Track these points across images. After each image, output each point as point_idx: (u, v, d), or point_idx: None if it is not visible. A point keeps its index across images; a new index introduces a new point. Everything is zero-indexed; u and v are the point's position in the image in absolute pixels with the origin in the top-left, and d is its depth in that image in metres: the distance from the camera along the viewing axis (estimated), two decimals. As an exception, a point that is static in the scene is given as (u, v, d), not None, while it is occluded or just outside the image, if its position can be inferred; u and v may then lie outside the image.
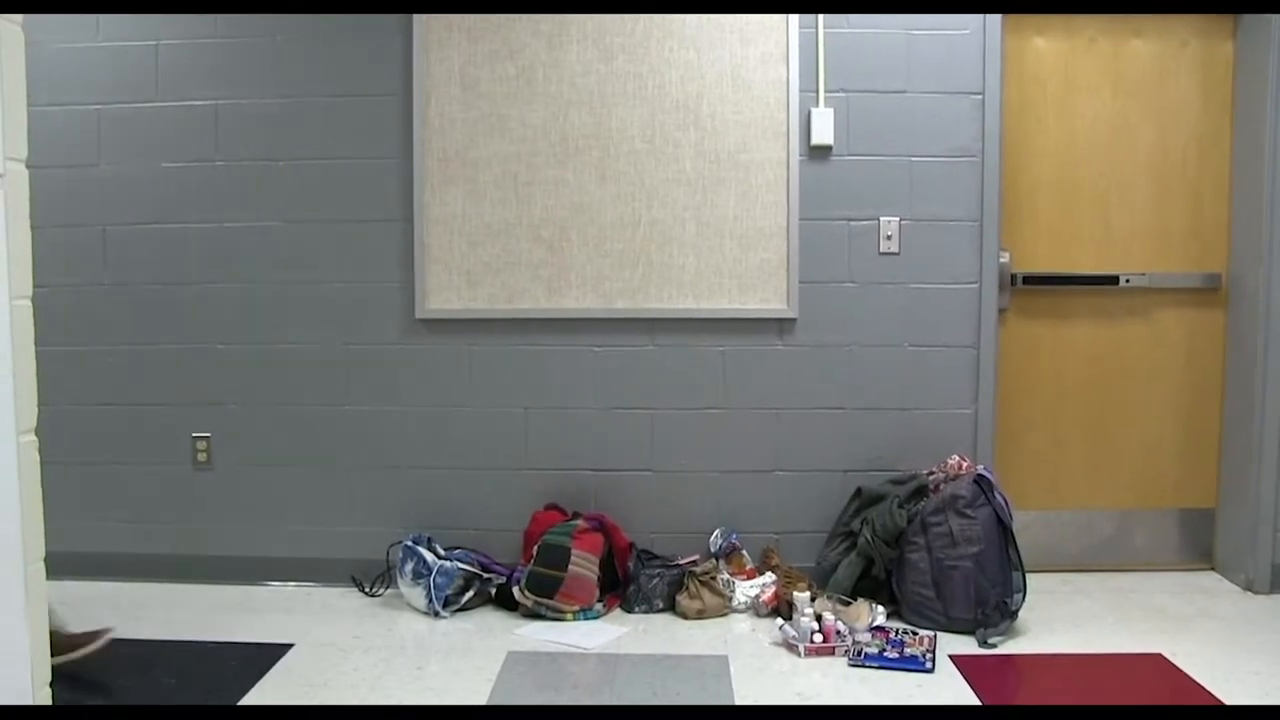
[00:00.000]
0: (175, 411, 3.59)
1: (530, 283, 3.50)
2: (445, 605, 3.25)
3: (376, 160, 3.49)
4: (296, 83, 3.49)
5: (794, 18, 3.40)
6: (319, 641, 3.03)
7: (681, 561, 3.40)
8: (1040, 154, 3.58)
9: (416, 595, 3.27)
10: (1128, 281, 3.59)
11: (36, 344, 1.69)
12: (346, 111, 3.49)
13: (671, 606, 3.30)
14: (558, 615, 3.20)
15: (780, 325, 3.49)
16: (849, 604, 3.08)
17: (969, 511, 3.11)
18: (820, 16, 3.40)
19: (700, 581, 3.27)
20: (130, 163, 3.54)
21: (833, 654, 2.88)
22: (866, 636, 2.92)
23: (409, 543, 3.33)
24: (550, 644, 3.02)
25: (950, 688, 2.69)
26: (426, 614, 3.26)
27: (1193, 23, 3.56)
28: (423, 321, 3.52)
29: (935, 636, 2.99)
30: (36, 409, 1.68)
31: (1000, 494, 3.15)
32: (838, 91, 3.44)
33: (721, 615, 3.26)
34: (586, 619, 3.22)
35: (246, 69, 3.49)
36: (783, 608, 3.17)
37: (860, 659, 2.83)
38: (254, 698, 2.62)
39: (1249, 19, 3.48)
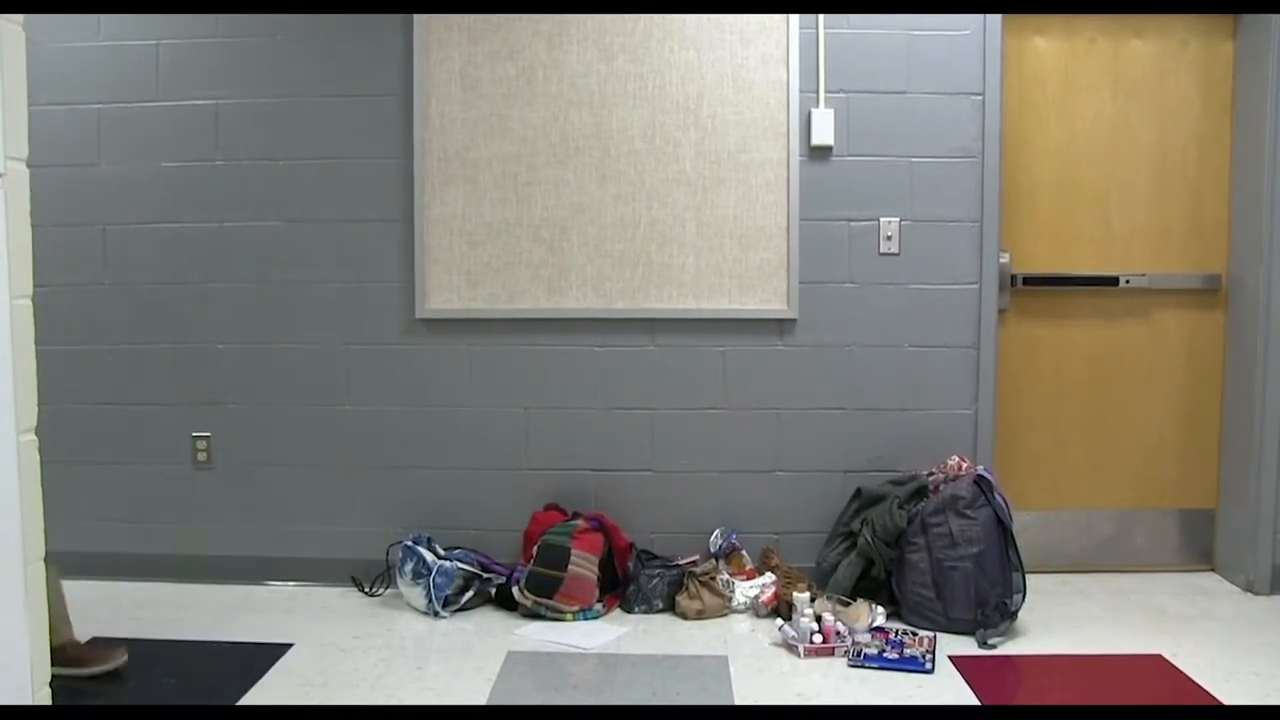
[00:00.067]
0: (175, 411, 3.59)
1: (530, 283, 3.50)
2: (445, 605, 3.25)
3: (376, 160, 3.49)
4: (296, 83, 3.49)
5: (794, 18, 3.40)
6: (319, 641, 3.03)
7: (681, 562, 3.40)
8: (1040, 154, 3.58)
9: (416, 595, 3.27)
10: (1128, 282, 3.59)
11: (36, 344, 1.69)
12: (346, 111, 3.49)
13: (671, 607, 3.30)
14: (557, 615, 3.20)
15: (780, 325, 3.49)
16: (849, 604, 3.08)
17: (969, 512, 3.11)
18: (820, 17, 3.40)
19: (700, 582, 3.26)
20: (130, 162, 3.54)
21: (832, 654, 2.87)
22: (866, 637, 2.92)
23: (409, 543, 3.33)
24: (550, 644, 3.02)
25: (950, 688, 2.68)
26: (426, 614, 3.26)
27: (1193, 23, 3.56)
28: (423, 321, 3.52)
29: (935, 637, 2.99)
30: (36, 409, 1.68)
31: (1000, 495, 3.15)
32: (838, 92, 3.44)
33: (721, 615, 3.26)
34: (586, 619, 3.22)
35: (246, 69, 3.49)
36: (782, 608, 3.17)
37: (860, 660, 2.82)
38: (254, 698, 2.62)
39: (1249, 19, 3.48)
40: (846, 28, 3.42)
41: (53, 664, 1.74)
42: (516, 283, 3.50)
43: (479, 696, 2.63)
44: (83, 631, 2.83)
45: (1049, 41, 3.56)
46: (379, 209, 3.50)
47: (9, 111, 1.60)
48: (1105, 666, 2.84)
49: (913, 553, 3.17)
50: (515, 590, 3.23)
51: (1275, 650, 2.93)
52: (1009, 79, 3.52)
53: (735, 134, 3.44)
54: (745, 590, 3.30)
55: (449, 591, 3.25)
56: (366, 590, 3.48)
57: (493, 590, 3.34)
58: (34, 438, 1.67)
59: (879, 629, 2.99)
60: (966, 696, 2.63)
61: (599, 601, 3.27)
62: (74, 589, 2.77)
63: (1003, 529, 3.10)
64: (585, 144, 3.46)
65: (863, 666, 2.81)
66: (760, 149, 3.44)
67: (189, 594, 3.48)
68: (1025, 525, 3.55)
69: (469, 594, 3.29)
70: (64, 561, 2.66)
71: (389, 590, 3.45)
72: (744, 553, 3.45)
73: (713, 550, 3.43)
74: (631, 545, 3.42)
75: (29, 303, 1.66)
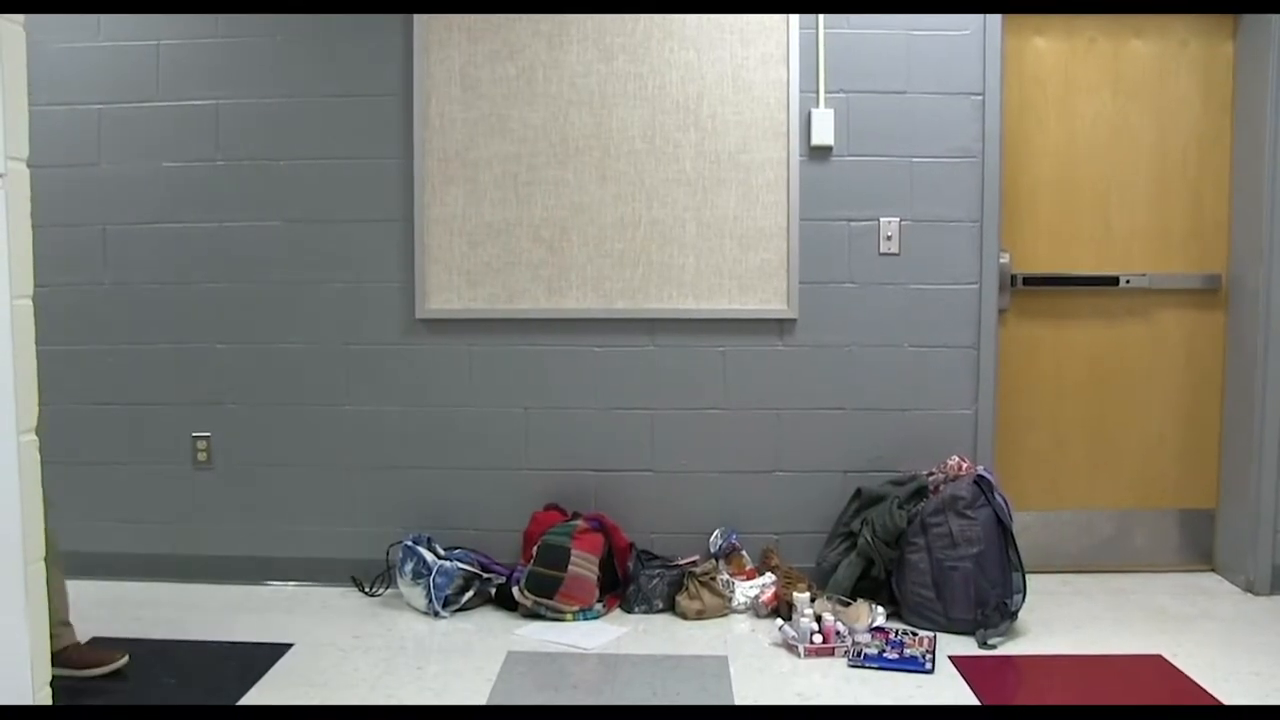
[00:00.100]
0: (175, 411, 3.59)
1: (530, 283, 3.50)
2: (445, 605, 3.25)
3: (376, 160, 3.49)
4: (296, 83, 3.49)
5: (794, 18, 3.40)
6: (319, 641, 3.03)
7: (681, 562, 3.40)
8: (1040, 154, 3.58)
9: (416, 595, 3.27)
10: (1128, 282, 3.59)
11: (37, 344, 1.70)
12: (346, 111, 3.49)
13: (671, 607, 3.30)
14: (557, 615, 3.20)
15: (780, 325, 3.49)
16: (849, 605, 3.08)
17: (969, 512, 3.11)
18: (820, 17, 3.40)
19: (700, 582, 3.26)
20: (130, 162, 3.54)
21: (832, 655, 2.87)
22: (866, 637, 2.92)
23: (409, 543, 3.33)
24: (550, 644, 3.02)
25: (950, 688, 2.68)
26: (426, 614, 3.26)
27: (1193, 23, 3.56)
28: (423, 321, 3.52)
29: (935, 637, 2.99)
30: (37, 409, 1.68)
31: (1000, 495, 3.15)
32: (838, 92, 3.44)
33: (721, 616, 3.26)
34: (586, 619, 3.22)
35: (246, 69, 3.49)
36: (782, 608, 3.17)
37: (860, 660, 2.82)
38: (254, 698, 2.62)
39: (1249, 19, 3.48)
40: (846, 28, 3.42)
41: (54, 667, 1.74)
42: (516, 283, 3.50)
43: (479, 696, 2.63)
44: (83, 631, 2.82)
45: (1049, 41, 3.56)
46: (379, 209, 3.50)
47: (9, 111, 1.61)
48: (1105, 666, 2.84)
49: (913, 553, 3.17)
50: (515, 590, 3.23)
51: (1275, 650, 2.93)
52: (1009, 79, 3.52)
53: (735, 134, 3.44)
54: (745, 590, 3.30)
55: (449, 591, 3.25)
56: (366, 590, 3.48)
57: (493, 590, 3.34)
58: (34, 438, 1.67)
59: (879, 629, 2.99)
60: (966, 696, 2.63)
61: (599, 601, 3.27)
62: (74, 589, 2.77)
63: (1003, 529, 3.10)
64: (585, 144, 3.46)
65: (863, 666, 2.81)
66: (760, 149, 3.44)
67: (189, 594, 3.48)
68: (1025, 525, 3.55)
69: (469, 594, 3.29)
70: (64, 561, 2.66)
71: (389, 590, 3.45)
72: (744, 553, 3.45)
73: (713, 550, 3.43)
74: (631, 545, 3.42)
75: (29, 303, 1.67)
